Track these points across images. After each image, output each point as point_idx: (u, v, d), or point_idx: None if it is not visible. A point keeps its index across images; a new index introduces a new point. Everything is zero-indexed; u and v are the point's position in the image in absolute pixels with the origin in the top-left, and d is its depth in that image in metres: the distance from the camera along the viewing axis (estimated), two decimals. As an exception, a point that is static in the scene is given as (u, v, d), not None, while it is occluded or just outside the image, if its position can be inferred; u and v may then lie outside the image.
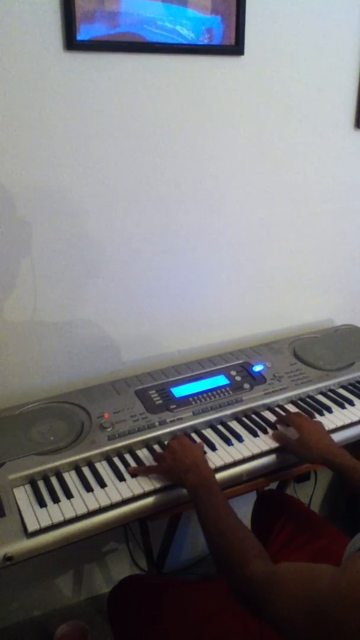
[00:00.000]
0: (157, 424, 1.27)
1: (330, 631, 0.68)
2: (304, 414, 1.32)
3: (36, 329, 1.42)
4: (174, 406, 1.32)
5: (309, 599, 0.72)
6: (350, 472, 1.10)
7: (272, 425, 1.29)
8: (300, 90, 1.51)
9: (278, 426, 1.29)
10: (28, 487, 1.11)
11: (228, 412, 1.32)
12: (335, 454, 1.14)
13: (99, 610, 1.78)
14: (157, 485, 1.11)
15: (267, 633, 1.07)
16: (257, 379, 1.44)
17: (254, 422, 1.31)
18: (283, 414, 1.34)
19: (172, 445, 1.14)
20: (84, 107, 1.28)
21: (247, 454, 1.20)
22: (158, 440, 1.25)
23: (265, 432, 1.27)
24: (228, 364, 1.50)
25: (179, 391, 1.37)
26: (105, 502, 1.07)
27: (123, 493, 1.09)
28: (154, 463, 1.17)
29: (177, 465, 1.09)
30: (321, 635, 0.69)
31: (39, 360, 1.45)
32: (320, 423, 1.27)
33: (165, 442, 1.24)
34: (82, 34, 1.21)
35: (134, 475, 1.13)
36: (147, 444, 1.23)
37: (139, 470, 1.14)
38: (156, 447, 1.23)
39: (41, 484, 1.11)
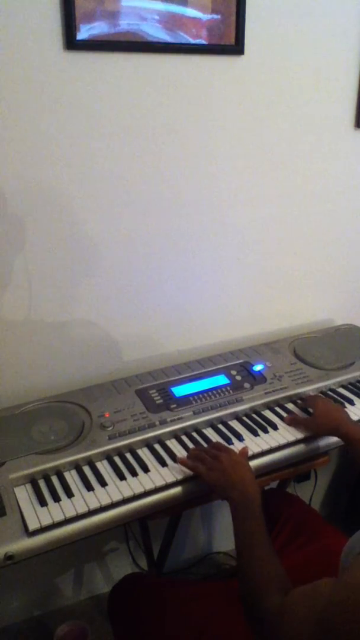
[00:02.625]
0: (157, 423, 1.27)
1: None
2: (321, 395, 1.40)
3: (35, 328, 1.42)
4: (175, 405, 1.32)
5: (313, 616, 0.73)
6: (357, 445, 1.17)
7: (273, 425, 1.29)
8: (300, 90, 1.51)
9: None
10: (29, 486, 1.11)
11: (228, 411, 1.32)
12: (346, 426, 1.20)
13: (99, 610, 1.78)
14: (158, 484, 1.11)
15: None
16: (257, 379, 1.44)
17: (254, 421, 1.31)
18: (284, 413, 1.34)
19: (221, 458, 1.11)
20: (84, 106, 1.28)
21: (248, 453, 1.20)
22: (158, 439, 1.25)
23: (265, 431, 1.27)
24: (228, 364, 1.50)
25: (180, 390, 1.37)
26: (106, 501, 1.07)
27: (124, 492, 1.09)
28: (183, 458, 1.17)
29: (224, 479, 1.07)
30: None
31: (39, 360, 1.45)
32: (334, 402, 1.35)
33: (166, 442, 1.24)
34: (82, 34, 1.21)
35: (181, 462, 1.14)
36: (147, 443, 1.23)
37: (184, 462, 1.14)
38: (157, 446, 1.23)
39: (42, 483, 1.11)
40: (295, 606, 0.77)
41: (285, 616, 0.78)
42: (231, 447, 1.21)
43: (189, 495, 1.13)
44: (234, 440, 1.24)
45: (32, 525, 1.00)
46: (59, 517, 1.02)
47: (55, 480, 1.13)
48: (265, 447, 1.22)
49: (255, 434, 1.26)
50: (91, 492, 1.09)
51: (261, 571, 0.91)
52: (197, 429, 1.28)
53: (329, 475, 2.07)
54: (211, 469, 1.10)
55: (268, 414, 1.34)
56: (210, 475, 1.09)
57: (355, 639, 0.67)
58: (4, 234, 1.31)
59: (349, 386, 1.47)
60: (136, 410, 1.30)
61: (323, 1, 1.45)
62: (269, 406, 1.37)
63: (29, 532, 1.00)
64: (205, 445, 1.22)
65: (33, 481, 1.12)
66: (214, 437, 1.25)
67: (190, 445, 1.23)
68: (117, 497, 1.08)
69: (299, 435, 1.26)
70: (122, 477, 1.13)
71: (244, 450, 1.19)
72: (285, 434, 1.26)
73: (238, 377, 1.44)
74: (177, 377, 1.43)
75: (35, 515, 1.03)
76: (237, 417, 1.33)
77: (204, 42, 1.34)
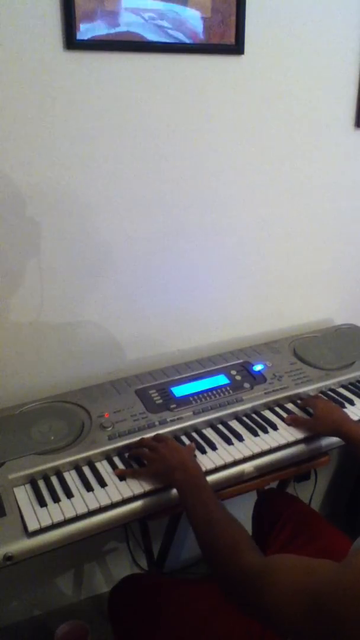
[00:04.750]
0: (157, 423, 1.27)
1: (330, 624, 0.66)
2: (321, 395, 1.40)
3: (39, 329, 1.42)
4: (174, 406, 1.32)
5: (308, 589, 0.70)
6: (358, 442, 1.17)
7: (273, 425, 1.29)
8: (300, 89, 1.51)
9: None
10: (28, 486, 1.11)
11: (228, 411, 1.32)
12: (347, 426, 1.21)
13: (99, 610, 1.78)
14: (157, 485, 1.11)
15: (269, 633, 1.07)
16: (257, 379, 1.44)
17: (254, 421, 1.31)
18: (284, 413, 1.34)
19: (159, 448, 1.14)
20: (84, 106, 1.28)
21: (248, 453, 1.20)
22: (158, 439, 1.25)
23: (265, 431, 1.27)
24: (228, 364, 1.50)
25: (179, 390, 1.37)
26: (105, 501, 1.07)
27: (123, 493, 1.09)
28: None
29: (165, 465, 1.09)
30: (320, 629, 0.67)
31: (39, 360, 1.45)
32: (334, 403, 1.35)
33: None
34: (82, 33, 1.21)
35: (121, 477, 1.13)
36: (147, 444, 1.24)
37: (127, 473, 1.14)
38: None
39: (41, 484, 1.11)
40: (289, 570, 0.74)
41: (273, 577, 0.75)
42: (230, 447, 1.22)
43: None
44: (234, 440, 1.24)
45: (32, 525, 1.00)
46: (58, 518, 1.02)
47: (54, 480, 1.12)
48: (265, 447, 1.22)
49: (255, 434, 1.26)
50: (91, 493, 1.09)
51: (226, 533, 0.90)
52: (197, 429, 1.28)
53: (329, 475, 2.07)
54: (151, 462, 1.13)
55: (268, 414, 1.34)
56: (150, 468, 1.12)
57: (346, 622, 0.65)
58: (21, 238, 1.32)
59: (349, 386, 1.46)
60: (136, 411, 1.30)
61: (323, 1, 1.44)
62: (269, 406, 1.37)
63: (28, 532, 1.00)
64: (204, 444, 1.22)
65: (32, 481, 1.12)
66: (214, 437, 1.25)
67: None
68: (116, 498, 1.08)
69: (299, 435, 1.26)
70: (121, 478, 1.12)
71: (190, 446, 1.20)
72: (285, 434, 1.26)
73: (238, 377, 1.43)
74: (177, 377, 1.43)
75: (35, 516, 1.03)
76: (237, 417, 1.33)
77: (204, 42, 1.34)
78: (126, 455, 1.20)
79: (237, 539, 0.88)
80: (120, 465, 1.17)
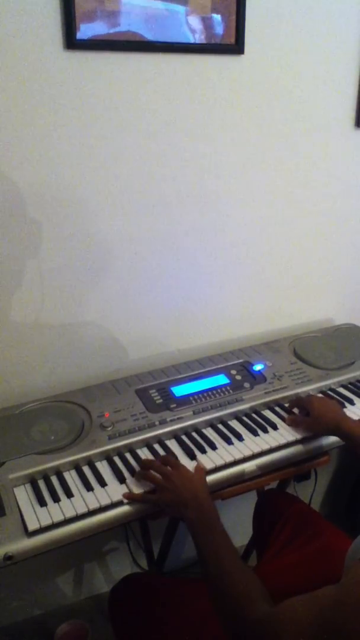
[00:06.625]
0: (157, 423, 1.27)
1: None
2: (316, 394, 1.39)
3: (39, 329, 1.42)
4: (174, 405, 1.32)
5: (313, 620, 0.70)
6: (358, 441, 1.16)
7: (273, 424, 1.29)
8: (300, 89, 1.51)
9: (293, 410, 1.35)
10: (28, 486, 1.11)
11: (228, 411, 1.32)
12: (345, 424, 1.20)
13: (99, 610, 1.78)
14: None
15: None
16: (257, 378, 1.44)
17: (254, 421, 1.31)
18: (284, 413, 1.34)
19: (172, 478, 1.07)
20: (84, 106, 1.28)
21: (248, 453, 1.20)
22: (158, 439, 1.25)
23: (265, 431, 1.27)
24: (228, 363, 1.50)
25: (180, 390, 1.37)
26: (105, 501, 1.07)
27: (124, 492, 1.09)
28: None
29: (177, 498, 1.04)
30: None
31: (40, 360, 1.45)
32: (329, 399, 1.35)
33: (166, 442, 1.24)
34: (82, 33, 1.21)
35: (128, 499, 1.09)
36: (147, 443, 1.24)
37: (135, 498, 1.09)
38: (156, 446, 1.23)
39: (41, 483, 1.11)
40: (293, 613, 0.74)
41: (281, 624, 0.75)
42: (231, 447, 1.22)
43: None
44: (234, 440, 1.24)
45: (32, 525, 1.00)
46: (58, 518, 1.02)
47: (54, 480, 1.13)
48: (265, 447, 1.22)
49: (255, 434, 1.26)
50: (91, 493, 1.09)
51: (236, 582, 0.87)
52: (197, 429, 1.28)
53: (329, 475, 2.07)
54: (162, 491, 1.07)
55: (268, 413, 1.34)
56: (162, 497, 1.06)
57: (358, 637, 0.66)
58: (21, 238, 1.32)
59: (349, 386, 1.46)
60: (136, 410, 1.30)
61: (323, 1, 1.44)
62: (269, 406, 1.37)
63: (28, 532, 1.00)
64: (204, 444, 1.22)
65: (33, 481, 1.12)
66: (214, 437, 1.25)
67: (190, 445, 1.23)
68: (116, 498, 1.08)
69: (299, 435, 1.26)
70: (121, 478, 1.13)
71: (199, 467, 1.15)
72: (285, 433, 1.26)
73: (238, 377, 1.43)
74: (177, 377, 1.43)
75: (35, 516, 1.03)
76: (237, 417, 1.33)
77: (203, 42, 1.34)
78: (137, 471, 1.14)
79: (248, 590, 0.86)
80: (120, 465, 1.16)
